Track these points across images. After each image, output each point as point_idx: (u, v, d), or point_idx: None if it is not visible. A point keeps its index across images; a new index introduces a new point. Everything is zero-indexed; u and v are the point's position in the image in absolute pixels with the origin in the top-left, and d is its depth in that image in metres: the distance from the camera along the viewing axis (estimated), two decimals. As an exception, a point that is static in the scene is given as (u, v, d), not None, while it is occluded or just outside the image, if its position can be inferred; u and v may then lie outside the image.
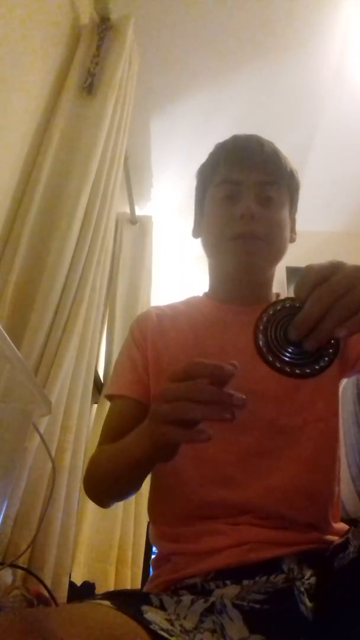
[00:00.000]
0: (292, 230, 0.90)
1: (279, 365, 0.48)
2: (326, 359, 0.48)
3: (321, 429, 0.75)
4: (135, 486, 0.69)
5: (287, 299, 0.49)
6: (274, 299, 0.90)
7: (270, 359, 0.48)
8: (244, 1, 1.80)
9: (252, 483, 0.70)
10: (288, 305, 0.49)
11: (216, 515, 0.70)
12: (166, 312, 0.91)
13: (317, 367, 0.48)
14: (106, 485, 0.73)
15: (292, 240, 0.90)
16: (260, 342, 0.48)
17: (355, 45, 1.96)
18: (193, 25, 1.87)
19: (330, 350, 0.48)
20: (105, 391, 0.86)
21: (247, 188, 0.82)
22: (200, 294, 0.95)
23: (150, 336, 0.85)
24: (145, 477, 0.68)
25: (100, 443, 0.79)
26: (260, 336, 0.49)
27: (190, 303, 0.93)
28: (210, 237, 0.87)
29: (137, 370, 0.83)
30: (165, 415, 0.50)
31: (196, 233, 0.94)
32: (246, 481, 0.70)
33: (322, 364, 0.48)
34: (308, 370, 0.48)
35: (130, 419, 0.78)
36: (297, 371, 0.48)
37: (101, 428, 0.82)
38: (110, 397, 0.84)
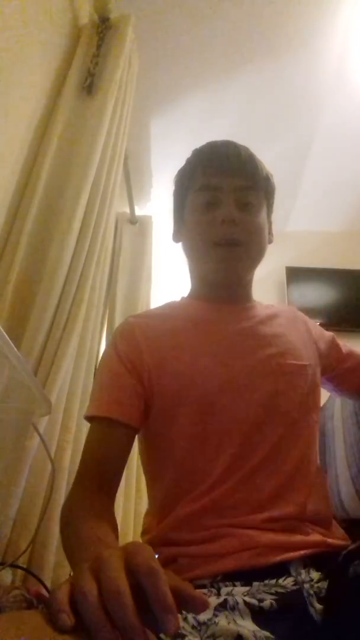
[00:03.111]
0: (270, 232, 0.93)
1: None
2: None
3: (311, 421, 0.80)
4: None
5: None
6: (253, 298, 0.94)
7: None
8: (244, 1, 1.80)
9: (254, 475, 0.71)
10: None
11: (222, 514, 0.70)
12: (151, 319, 0.88)
13: None
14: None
15: (270, 241, 0.92)
16: None
17: (355, 46, 1.96)
18: (193, 26, 1.87)
19: None
20: (86, 412, 0.79)
21: (227, 194, 0.84)
22: (178, 299, 0.96)
23: (145, 345, 0.81)
24: None
25: (80, 474, 0.73)
26: None
27: (173, 306, 0.94)
28: (192, 243, 0.89)
29: (123, 389, 0.77)
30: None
31: (176, 238, 0.95)
32: (242, 476, 0.71)
33: None
34: None
35: (116, 445, 0.74)
36: None
37: (81, 452, 0.76)
38: (89, 419, 0.77)
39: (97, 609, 0.35)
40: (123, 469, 0.75)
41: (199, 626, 0.49)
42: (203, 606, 0.38)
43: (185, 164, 0.92)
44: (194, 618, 0.50)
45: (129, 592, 0.35)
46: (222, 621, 0.51)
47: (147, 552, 0.39)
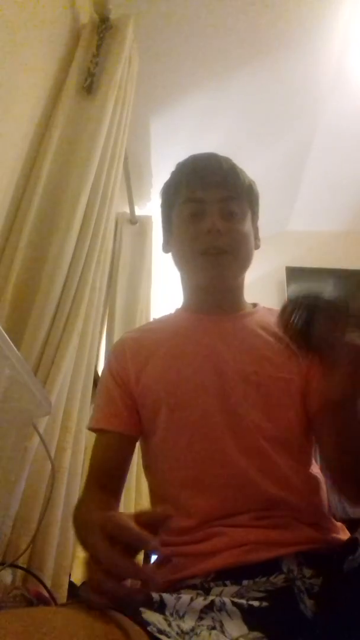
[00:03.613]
0: (256, 237, 0.95)
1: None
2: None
3: (300, 438, 0.79)
4: None
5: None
6: (246, 305, 0.96)
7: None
8: (244, 1, 1.80)
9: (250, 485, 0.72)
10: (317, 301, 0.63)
11: (216, 520, 0.71)
12: (142, 333, 0.95)
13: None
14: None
15: (257, 247, 0.95)
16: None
17: (355, 45, 1.96)
18: (193, 25, 1.87)
19: None
20: (88, 424, 0.90)
21: (211, 205, 0.87)
22: (172, 311, 0.99)
23: (131, 360, 0.87)
24: None
25: (87, 478, 0.81)
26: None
27: (165, 319, 0.98)
28: (180, 254, 0.92)
29: (114, 403, 0.85)
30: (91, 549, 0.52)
31: (166, 249, 0.99)
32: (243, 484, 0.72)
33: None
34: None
35: (114, 452, 0.82)
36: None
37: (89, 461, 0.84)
38: (92, 430, 0.87)
39: (100, 572, 0.45)
40: (126, 472, 0.83)
41: (182, 634, 0.49)
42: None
43: (170, 178, 0.95)
44: (178, 626, 0.50)
45: (102, 546, 0.47)
46: (204, 631, 0.51)
47: (116, 518, 0.50)
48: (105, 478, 0.80)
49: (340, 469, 0.73)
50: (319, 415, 0.77)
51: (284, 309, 0.65)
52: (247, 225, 0.90)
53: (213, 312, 0.90)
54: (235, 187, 0.89)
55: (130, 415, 0.84)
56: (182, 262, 0.92)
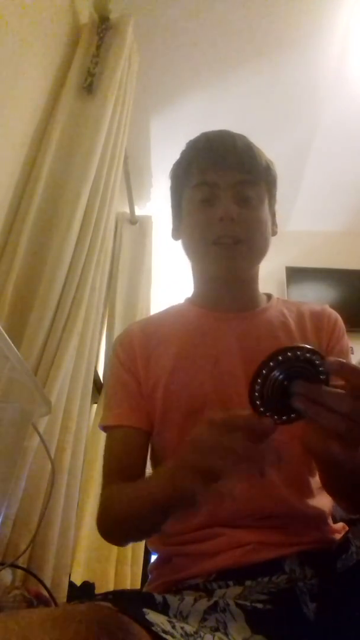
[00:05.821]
0: (273, 223, 0.88)
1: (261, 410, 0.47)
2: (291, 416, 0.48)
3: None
4: (157, 528, 0.66)
5: (300, 348, 0.47)
6: (260, 297, 0.89)
7: (258, 403, 0.47)
8: (244, 2, 1.80)
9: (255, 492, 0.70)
10: (301, 358, 0.47)
11: (218, 522, 0.70)
12: (150, 326, 0.88)
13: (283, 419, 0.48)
14: (127, 529, 0.70)
15: (274, 233, 0.88)
16: (256, 392, 0.47)
17: (355, 45, 1.96)
18: (193, 25, 1.87)
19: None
20: (101, 421, 0.82)
21: (224, 189, 0.79)
22: (182, 301, 0.92)
23: (139, 354, 0.82)
24: (168, 518, 0.63)
25: (107, 475, 0.76)
26: (258, 384, 0.48)
27: (174, 312, 0.91)
28: (192, 242, 0.85)
29: (131, 396, 0.79)
30: (194, 466, 0.50)
31: (176, 235, 0.91)
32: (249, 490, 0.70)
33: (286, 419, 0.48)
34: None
35: (134, 447, 0.77)
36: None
37: (102, 459, 0.79)
38: (106, 428, 0.80)
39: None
40: (144, 466, 0.78)
41: (186, 636, 0.49)
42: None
43: (180, 158, 0.87)
44: (181, 628, 0.50)
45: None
46: (208, 634, 0.50)
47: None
48: (129, 474, 0.74)
49: (330, 488, 0.72)
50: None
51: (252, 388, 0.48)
52: (264, 211, 0.82)
53: (226, 308, 0.84)
54: (252, 170, 0.80)
55: (147, 409, 0.79)
56: (193, 251, 0.85)
